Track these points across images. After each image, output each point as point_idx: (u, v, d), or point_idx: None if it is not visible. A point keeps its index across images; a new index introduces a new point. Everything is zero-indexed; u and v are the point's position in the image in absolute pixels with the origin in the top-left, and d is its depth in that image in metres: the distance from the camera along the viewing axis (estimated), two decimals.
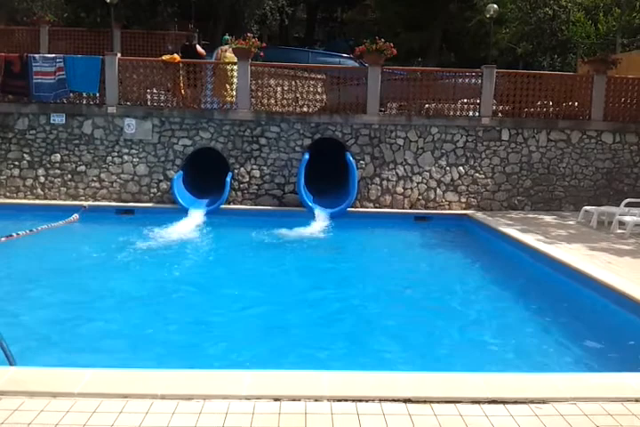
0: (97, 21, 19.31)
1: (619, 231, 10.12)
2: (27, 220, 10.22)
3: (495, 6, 14.01)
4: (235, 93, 12.77)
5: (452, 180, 12.88)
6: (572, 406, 3.56)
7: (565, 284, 7.39)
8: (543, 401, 3.61)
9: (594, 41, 22.44)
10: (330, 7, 36.21)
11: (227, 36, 14.22)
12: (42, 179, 12.71)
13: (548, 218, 11.89)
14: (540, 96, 13.17)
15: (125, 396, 3.53)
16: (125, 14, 19.24)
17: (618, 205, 10.87)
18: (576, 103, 13.29)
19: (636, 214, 10.20)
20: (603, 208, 11.13)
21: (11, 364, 4.01)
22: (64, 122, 12.65)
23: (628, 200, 10.76)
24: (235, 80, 12.74)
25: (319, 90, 13.26)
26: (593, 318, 6.54)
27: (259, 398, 3.55)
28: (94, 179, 12.70)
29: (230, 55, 13.17)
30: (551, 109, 13.28)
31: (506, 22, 23.72)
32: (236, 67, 12.72)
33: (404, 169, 12.84)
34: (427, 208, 12.81)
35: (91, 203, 12.27)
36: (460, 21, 22.46)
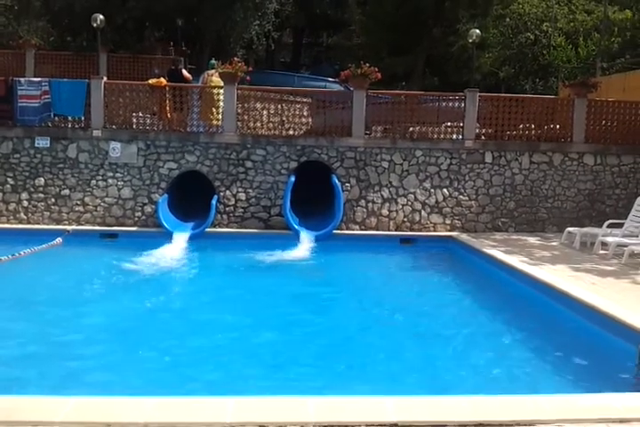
0: (83, 45, 19.44)
1: (601, 252, 10.21)
2: (9, 244, 10.09)
3: (477, 31, 14.24)
4: (221, 117, 12.84)
5: (436, 202, 12.97)
6: None
7: (550, 305, 7.42)
8: (530, 424, 3.60)
9: (574, 65, 22.92)
10: (315, 32, 36.71)
11: (213, 61, 14.37)
12: (25, 203, 12.61)
13: (531, 239, 11.97)
14: (523, 119, 13.37)
15: (108, 425, 3.48)
16: (112, 38, 19.38)
17: (600, 226, 10.98)
18: (557, 126, 13.50)
19: (618, 235, 10.32)
20: (585, 229, 11.24)
21: None
22: (48, 145, 12.61)
23: (610, 221, 10.86)
24: (221, 104, 12.82)
25: (305, 113, 13.37)
26: (578, 339, 6.55)
27: (243, 425, 3.50)
28: (78, 202, 12.63)
29: (217, 79, 13.27)
30: (533, 132, 13.48)
31: (488, 47, 24.19)
32: (222, 91, 12.80)
33: (390, 191, 12.91)
34: (412, 230, 12.86)
35: (74, 227, 12.18)
36: (444, 46, 22.82)
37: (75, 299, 7.86)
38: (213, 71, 13.74)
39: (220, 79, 13.03)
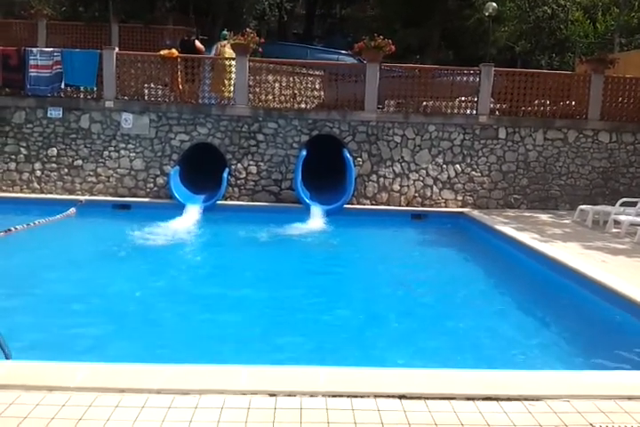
0: (95, 16, 19.27)
1: (614, 230, 10.16)
2: (23, 214, 10.19)
3: (494, 4, 14.02)
4: (232, 89, 12.76)
5: (448, 178, 12.90)
6: (566, 404, 3.58)
7: (560, 282, 7.43)
8: (537, 398, 3.63)
9: (592, 40, 22.51)
10: (329, 3, 36.16)
11: (225, 32, 14.20)
12: (38, 173, 12.68)
13: (543, 217, 11.93)
14: (538, 95, 13.20)
15: (121, 390, 3.54)
16: (123, 9, 19.19)
17: (613, 205, 10.91)
18: (573, 102, 13.32)
19: (631, 214, 10.25)
20: (598, 207, 11.17)
21: (7, 357, 4.02)
22: (61, 116, 12.62)
23: (623, 200, 10.79)
24: (233, 76, 12.72)
25: (317, 86, 13.26)
26: (586, 315, 6.58)
27: (254, 393, 3.56)
28: (91, 173, 12.69)
29: (229, 51, 13.15)
30: (548, 108, 13.31)
31: (504, 21, 23.74)
32: (234, 62, 12.70)
33: (401, 166, 12.85)
34: (423, 206, 12.83)
35: (87, 197, 12.25)
36: (459, 19, 22.43)
37: (95, 268, 7.99)
38: (225, 42, 13.61)
39: (232, 50, 12.91)
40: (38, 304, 6.33)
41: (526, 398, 3.62)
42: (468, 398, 3.60)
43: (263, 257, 9.16)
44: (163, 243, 9.45)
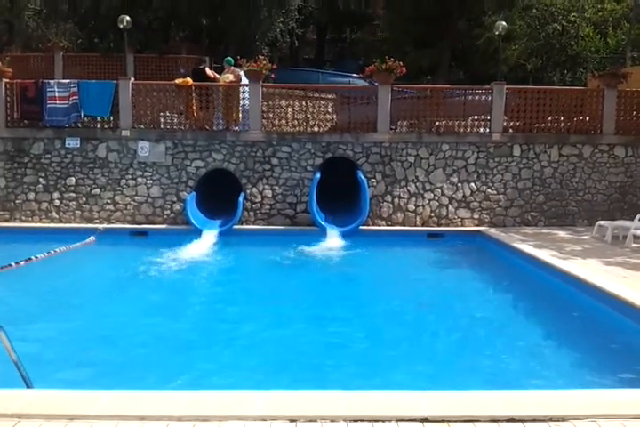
0: (110, 46, 19.64)
1: (634, 245, 10.03)
2: (42, 243, 10.28)
3: (504, 23, 14.03)
4: (241, 111, 12.89)
5: (463, 196, 12.86)
6: (592, 424, 3.50)
7: (581, 299, 7.32)
8: (562, 419, 3.56)
9: (603, 55, 22.51)
10: (339, 28, 36.54)
11: (229, 58, 14.35)
12: (57, 202, 12.85)
13: (561, 233, 11.81)
14: (551, 111, 13.19)
15: (142, 418, 3.53)
16: (138, 39, 19.56)
17: (632, 219, 10.78)
18: (587, 117, 13.28)
19: None
20: (617, 222, 11.05)
21: (28, 386, 4.03)
22: (79, 146, 12.83)
23: None
24: (242, 101, 12.87)
25: (330, 109, 13.38)
26: (609, 333, 6.47)
27: (274, 418, 3.53)
28: (108, 201, 12.83)
29: (223, 76, 13.44)
30: (562, 124, 13.28)
31: (515, 39, 23.81)
32: (243, 88, 12.88)
33: (416, 186, 12.85)
34: (439, 225, 12.79)
35: (105, 225, 12.37)
36: (469, 39, 22.54)
37: (119, 292, 8.17)
38: (227, 68, 13.85)
39: (230, 75, 13.19)
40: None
41: (552, 419, 3.55)
42: (492, 420, 3.54)
43: (282, 279, 9.17)
44: (180, 267, 9.50)
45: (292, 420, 3.52)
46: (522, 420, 3.54)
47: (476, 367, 5.58)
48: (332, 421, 3.51)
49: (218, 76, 14.29)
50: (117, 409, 3.63)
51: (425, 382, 5.08)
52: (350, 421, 3.51)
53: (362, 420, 3.53)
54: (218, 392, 4.02)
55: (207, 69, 14.37)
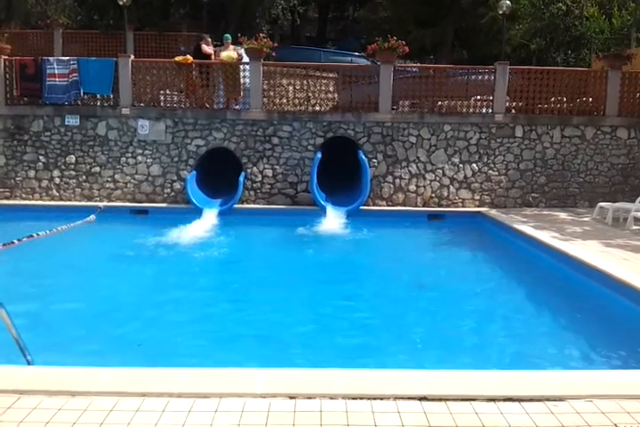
0: (110, 24, 19.40)
1: (634, 228, 10.03)
2: (43, 221, 10.28)
3: (508, 2, 13.86)
4: (243, 90, 12.79)
5: (465, 177, 12.83)
6: (589, 404, 3.53)
7: (581, 281, 7.34)
8: (559, 399, 3.59)
9: (608, 36, 22.22)
10: (341, 6, 36.13)
11: (227, 35, 14.13)
12: (57, 180, 12.83)
13: (562, 215, 11.81)
14: (554, 92, 13.07)
15: (142, 394, 3.56)
16: (138, 16, 19.32)
17: (633, 202, 10.77)
18: (590, 99, 13.17)
19: None
20: (618, 204, 11.04)
21: (29, 363, 4.06)
22: (78, 124, 12.76)
23: None
24: (243, 80, 12.75)
25: (331, 89, 13.27)
26: (608, 314, 6.49)
27: (274, 396, 3.56)
28: (109, 180, 12.81)
29: (225, 53, 13.26)
30: (565, 105, 13.18)
31: (519, 18, 23.51)
32: (242, 66, 12.76)
33: (417, 167, 12.81)
34: (440, 206, 12.77)
35: (106, 203, 12.35)
36: (473, 18, 22.28)
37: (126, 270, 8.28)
38: (226, 44, 13.68)
39: (228, 53, 13.02)
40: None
41: (548, 399, 3.58)
42: (490, 400, 3.57)
43: (283, 257, 9.21)
44: (182, 246, 9.53)
45: (292, 397, 3.55)
46: (519, 399, 3.57)
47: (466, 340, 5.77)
48: (330, 398, 3.54)
49: (211, 51, 13.99)
50: (118, 386, 3.66)
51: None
52: (349, 398, 3.54)
53: (360, 398, 3.55)
54: (217, 370, 4.04)
55: (203, 45, 14.04)
